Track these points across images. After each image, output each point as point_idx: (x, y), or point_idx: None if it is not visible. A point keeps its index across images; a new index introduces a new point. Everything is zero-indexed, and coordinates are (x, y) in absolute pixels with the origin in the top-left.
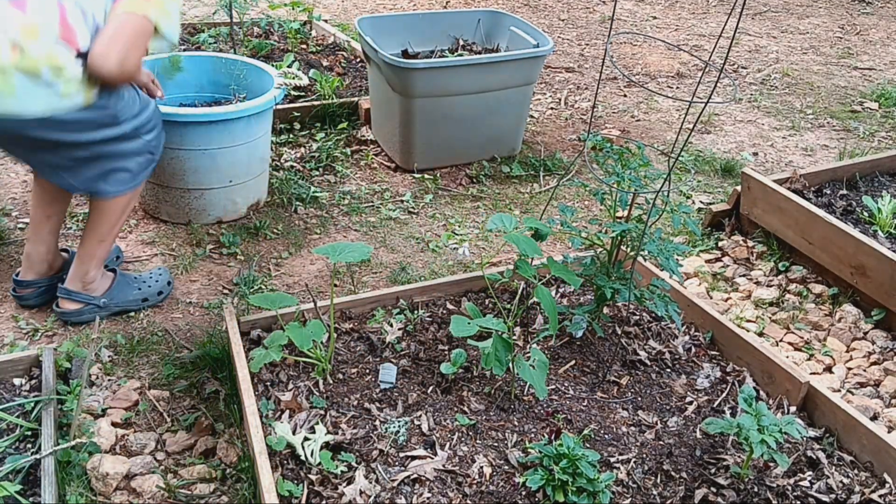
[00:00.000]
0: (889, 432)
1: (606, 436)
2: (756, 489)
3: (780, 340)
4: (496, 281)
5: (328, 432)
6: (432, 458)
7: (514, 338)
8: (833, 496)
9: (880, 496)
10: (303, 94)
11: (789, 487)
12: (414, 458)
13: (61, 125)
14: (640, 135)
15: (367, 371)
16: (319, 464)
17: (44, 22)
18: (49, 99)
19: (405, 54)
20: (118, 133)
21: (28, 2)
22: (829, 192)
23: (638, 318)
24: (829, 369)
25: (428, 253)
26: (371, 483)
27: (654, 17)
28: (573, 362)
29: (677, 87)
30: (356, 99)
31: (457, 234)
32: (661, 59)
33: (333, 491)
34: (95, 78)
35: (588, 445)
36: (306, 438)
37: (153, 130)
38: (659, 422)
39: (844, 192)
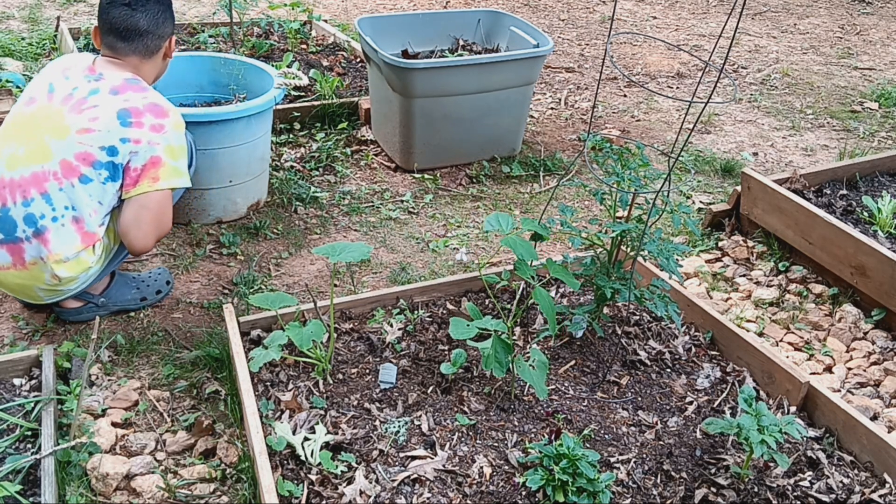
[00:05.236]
0: (889, 432)
1: (606, 436)
2: (756, 489)
3: (780, 340)
4: (495, 283)
5: (328, 432)
6: (432, 458)
7: (514, 338)
8: (833, 496)
9: (880, 496)
10: (303, 94)
11: (789, 487)
12: (414, 458)
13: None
14: (640, 135)
15: (367, 371)
16: (319, 464)
17: (67, 249)
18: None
19: (405, 54)
20: None
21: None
22: (829, 192)
23: (638, 318)
24: (829, 369)
25: (428, 253)
26: (371, 483)
27: (654, 17)
28: (573, 362)
29: (677, 87)
30: (356, 99)
31: (452, 238)
32: (661, 59)
33: (333, 491)
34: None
35: (588, 445)
36: (306, 438)
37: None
38: (659, 422)
39: (844, 192)
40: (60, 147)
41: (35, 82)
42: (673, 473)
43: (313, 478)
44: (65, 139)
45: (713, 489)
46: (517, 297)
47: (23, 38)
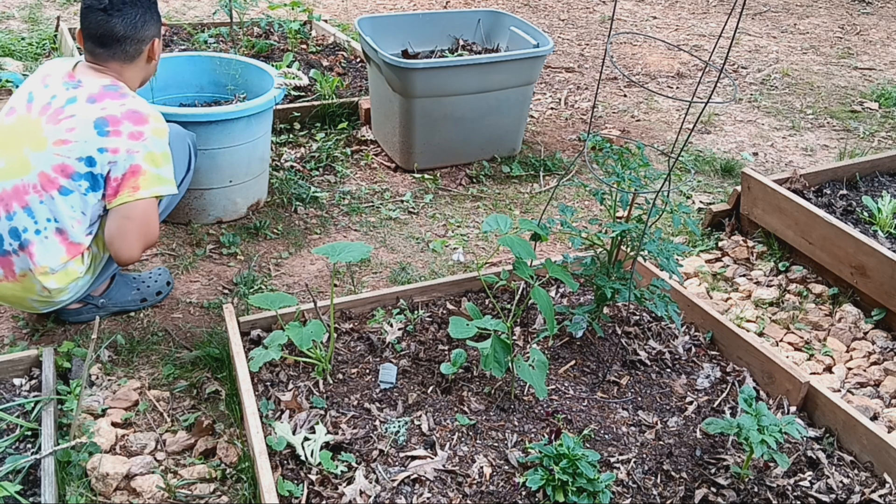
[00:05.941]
0: (889, 432)
1: (606, 436)
2: (756, 489)
3: (780, 340)
4: (493, 283)
5: (328, 432)
6: (432, 458)
7: (514, 338)
8: (833, 496)
9: (880, 496)
10: (303, 94)
11: (789, 487)
12: (414, 458)
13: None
14: (640, 135)
15: (367, 371)
16: (319, 464)
17: (51, 261)
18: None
19: (405, 54)
20: None
21: (36, 252)
22: (829, 192)
23: (638, 318)
24: (829, 369)
25: (428, 253)
26: (371, 483)
27: (654, 17)
28: (573, 362)
29: (677, 87)
30: (356, 99)
31: (452, 237)
32: (661, 59)
33: (333, 491)
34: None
35: (588, 445)
36: (306, 438)
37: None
38: (659, 422)
39: (844, 192)
40: (39, 159)
41: (17, 92)
42: (673, 473)
43: (313, 478)
44: (43, 151)
45: (713, 489)
46: (517, 296)
47: (23, 38)
